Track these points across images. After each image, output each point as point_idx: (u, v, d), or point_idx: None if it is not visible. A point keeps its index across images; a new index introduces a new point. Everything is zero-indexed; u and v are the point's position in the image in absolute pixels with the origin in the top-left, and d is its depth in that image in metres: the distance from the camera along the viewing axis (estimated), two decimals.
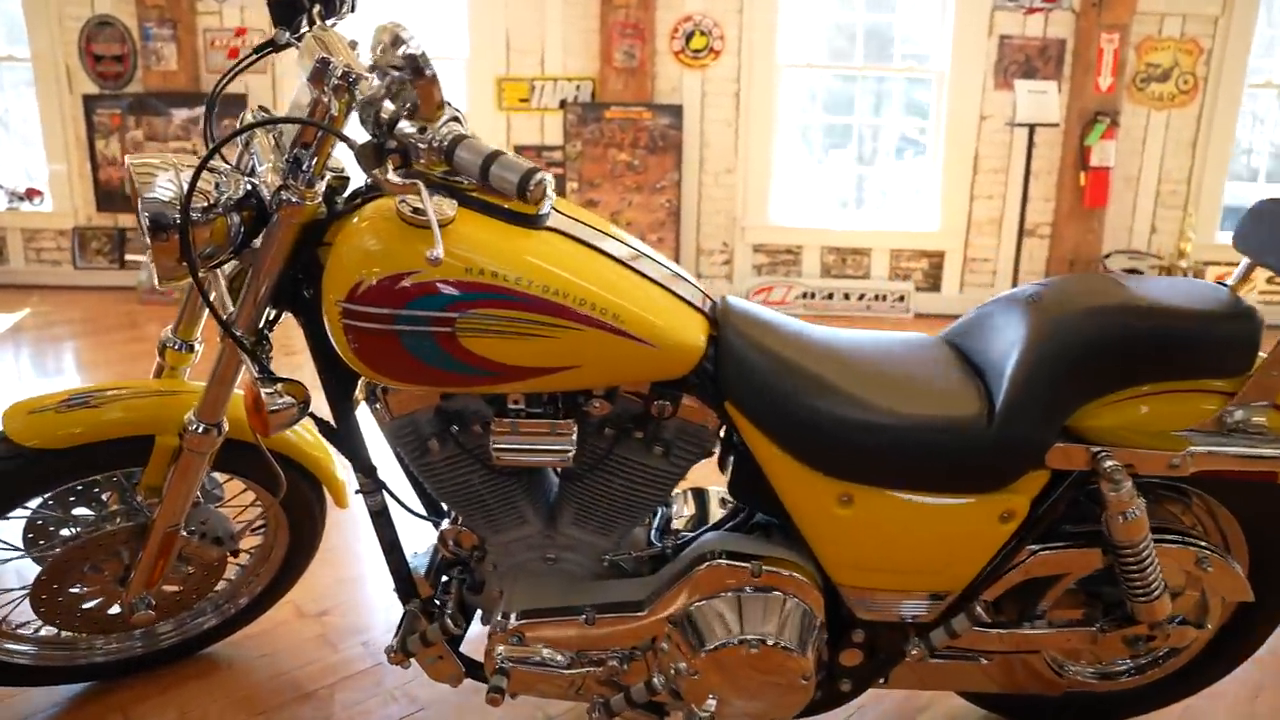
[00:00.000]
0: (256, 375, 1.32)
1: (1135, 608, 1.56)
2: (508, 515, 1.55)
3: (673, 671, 1.49)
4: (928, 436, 1.43)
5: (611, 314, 1.33)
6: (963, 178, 5.57)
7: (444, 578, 1.68)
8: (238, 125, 1.45)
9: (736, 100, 5.43)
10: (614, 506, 1.53)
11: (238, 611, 1.95)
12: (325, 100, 1.27)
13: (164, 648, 1.88)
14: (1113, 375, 1.47)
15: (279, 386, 1.31)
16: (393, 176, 1.18)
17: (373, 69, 1.23)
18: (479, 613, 1.67)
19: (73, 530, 1.65)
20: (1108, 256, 5.65)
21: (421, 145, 1.19)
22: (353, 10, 1.49)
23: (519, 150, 5.43)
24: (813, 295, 5.66)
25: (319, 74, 1.26)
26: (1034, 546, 1.55)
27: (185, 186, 1.30)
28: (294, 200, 1.28)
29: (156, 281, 1.33)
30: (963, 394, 1.48)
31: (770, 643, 1.45)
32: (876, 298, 5.65)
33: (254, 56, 1.50)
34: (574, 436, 1.43)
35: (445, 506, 1.66)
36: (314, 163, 1.32)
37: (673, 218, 5.48)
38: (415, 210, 1.27)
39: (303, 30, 1.48)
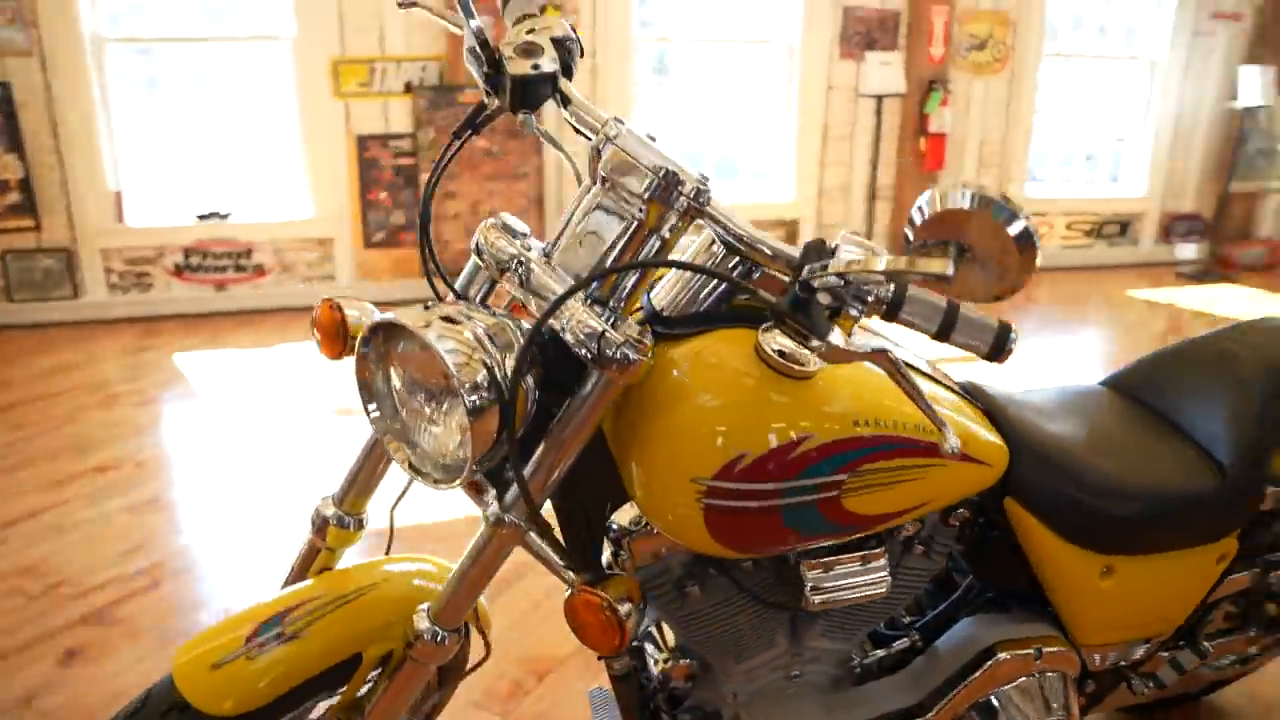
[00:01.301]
0: (581, 579, 1.01)
1: None
2: (759, 642, 1.36)
3: None
4: (1179, 502, 1.47)
5: (965, 442, 1.18)
6: (813, 147, 5.68)
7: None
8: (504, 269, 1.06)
9: (593, 76, 5.17)
10: (869, 612, 1.39)
11: None
12: (666, 223, 0.98)
13: None
14: None
15: (615, 589, 1.02)
16: (851, 341, 0.90)
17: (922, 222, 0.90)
18: None
19: None
20: None
21: (866, 296, 0.92)
22: (581, 55, 1.16)
23: (363, 140, 4.88)
24: None
25: (664, 191, 0.96)
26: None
27: (483, 341, 0.95)
28: (633, 357, 0.96)
29: (460, 476, 0.97)
30: (1186, 454, 1.54)
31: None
32: None
33: (468, 134, 1.15)
34: (886, 565, 1.26)
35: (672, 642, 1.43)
36: (626, 304, 1.02)
37: (535, 205, 5.17)
38: (782, 353, 1.01)
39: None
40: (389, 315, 0.94)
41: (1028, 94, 6.03)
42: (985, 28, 5.76)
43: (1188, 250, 6.53)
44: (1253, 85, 6.19)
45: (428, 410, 0.98)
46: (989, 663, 1.40)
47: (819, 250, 0.93)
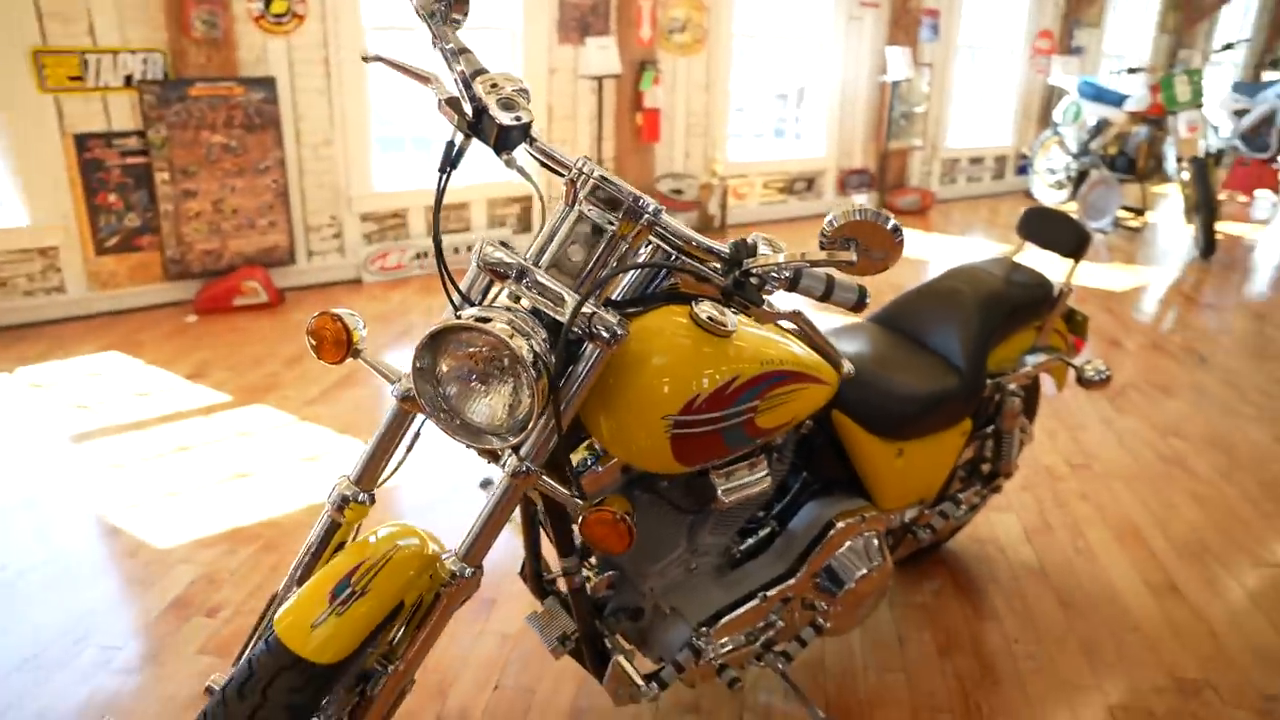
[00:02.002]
0: (587, 505, 1.34)
1: (1004, 466, 2.45)
2: (667, 545, 1.75)
3: (819, 611, 1.92)
4: (940, 399, 2.07)
5: (814, 369, 1.61)
6: (540, 126, 6.03)
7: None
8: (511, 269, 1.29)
9: (327, 67, 5.16)
10: (742, 509, 1.82)
11: None
12: (631, 233, 1.28)
13: None
14: (1007, 329, 2.31)
15: (615, 504, 1.34)
16: (773, 306, 1.30)
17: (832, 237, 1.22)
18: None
19: None
20: (659, 180, 6.64)
21: (776, 276, 1.30)
22: (529, 100, 1.42)
23: (81, 139, 4.54)
24: (425, 255, 5.75)
25: (632, 213, 1.27)
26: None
27: (518, 328, 1.21)
28: (620, 333, 1.26)
29: (524, 431, 1.23)
30: (937, 364, 2.15)
31: (880, 565, 1.96)
32: None
33: (449, 170, 1.36)
34: (766, 467, 1.68)
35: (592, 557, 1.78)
36: (600, 294, 1.32)
37: (281, 199, 5.09)
38: (711, 318, 1.39)
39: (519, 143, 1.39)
40: (444, 323, 1.21)
41: (723, 70, 6.78)
42: (684, 12, 6.41)
43: (861, 199, 7.71)
44: (896, 62, 7.42)
45: (481, 388, 1.26)
46: (831, 531, 1.89)
47: (747, 248, 1.32)
